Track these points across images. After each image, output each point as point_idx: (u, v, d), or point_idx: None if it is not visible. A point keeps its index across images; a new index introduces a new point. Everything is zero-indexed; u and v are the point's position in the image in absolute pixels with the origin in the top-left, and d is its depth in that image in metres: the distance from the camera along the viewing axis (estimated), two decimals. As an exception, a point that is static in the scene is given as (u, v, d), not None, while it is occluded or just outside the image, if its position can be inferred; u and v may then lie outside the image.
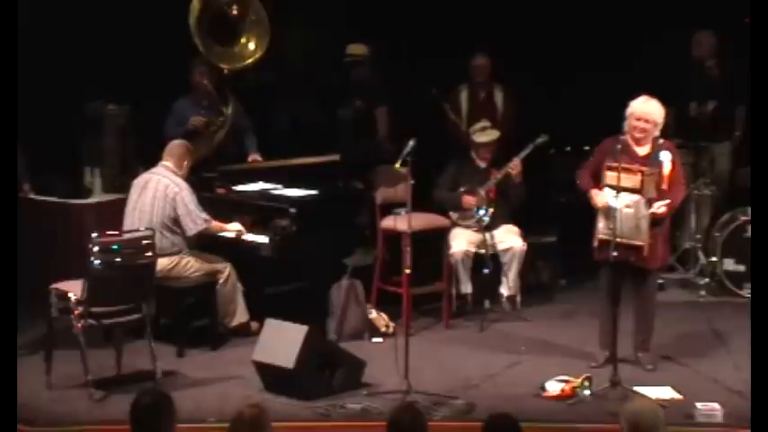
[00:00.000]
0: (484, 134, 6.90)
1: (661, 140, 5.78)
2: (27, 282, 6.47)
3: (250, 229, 6.36)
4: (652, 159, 5.72)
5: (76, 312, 5.52)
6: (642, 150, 5.76)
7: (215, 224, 6.24)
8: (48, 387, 5.63)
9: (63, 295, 5.61)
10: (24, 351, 6.01)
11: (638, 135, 5.73)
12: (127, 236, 5.72)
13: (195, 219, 6.13)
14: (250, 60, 6.90)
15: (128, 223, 6.11)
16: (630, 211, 5.61)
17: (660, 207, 5.58)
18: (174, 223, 6.12)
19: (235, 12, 6.89)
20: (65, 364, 5.70)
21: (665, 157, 5.69)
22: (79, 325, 5.51)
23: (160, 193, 6.11)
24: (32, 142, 6.84)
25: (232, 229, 6.31)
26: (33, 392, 5.58)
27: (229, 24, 6.90)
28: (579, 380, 5.48)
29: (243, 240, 6.35)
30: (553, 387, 5.51)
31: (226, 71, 6.86)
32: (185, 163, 6.20)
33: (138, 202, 6.15)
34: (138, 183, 6.22)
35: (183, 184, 6.15)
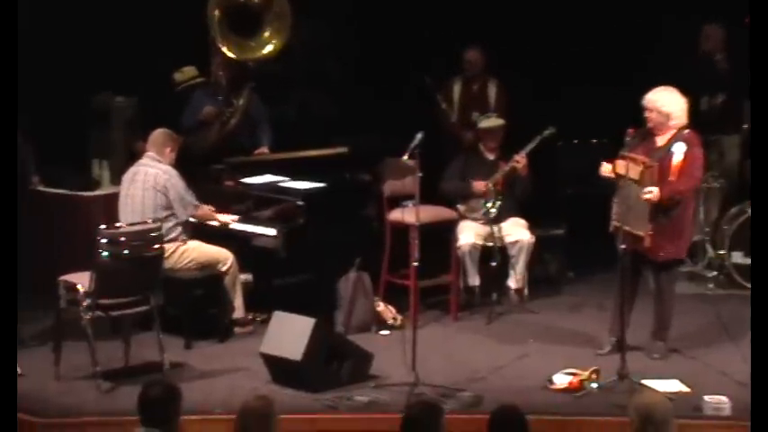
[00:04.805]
0: (488, 121, 6.91)
1: (686, 131, 5.76)
2: (35, 273, 6.51)
3: (250, 221, 6.35)
4: (665, 150, 5.71)
5: (84, 304, 5.54)
6: (661, 141, 5.76)
7: (205, 210, 6.24)
8: (56, 378, 5.64)
9: (71, 287, 5.63)
10: (33, 342, 6.04)
11: (649, 125, 5.75)
12: (134, 228, 5.72)
13: (186, 204, 6.14)
14: (265, 54, 6.89)
15: (121, 217, 6.11)
16: (635, 201, 5.61)
17: (646, 193, 5.56)
18: (167, 212, 6.10)
19: (257, 1, 6.87)
20: (73, 355, 5.71)
21: (678, 148, 5.67)
22: (87, 316, 5.52)
23: (149, 183, 6.12)
24: (41, 134, 6.85)
25: (222, 219, 6.31)
26: (42, 383, 5.59)
27: (252, 15, 6.89)
28: (587, 372, 5.48)
29: (247, 232, 6.35)
30: (560, 380, 5.50)
31: (251, 63, 6.87)
32: (167, 150, 6.19)
33: (128, 196, 6.16)
34: (126, 176, 6.24)
35: (172, 171, 6.16)
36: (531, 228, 6.77)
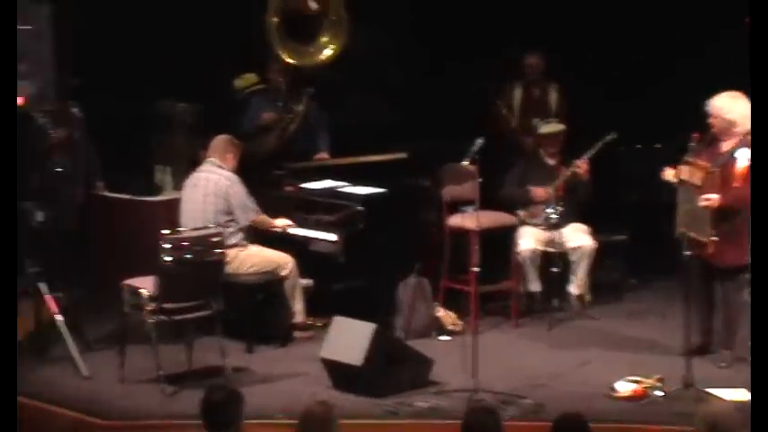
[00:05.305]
0: (548, 126, 6.87)
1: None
2: (101, 277, 6.61)
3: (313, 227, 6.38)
4: (728, 156, 5.62)
5: (148, 308, 5.59)
6: (726, 146, 5.66)
7: (263, 217, 6.29)
8: (120, 381, 5.71)
9: (135, 291, 5.68)
10: (98, 346, 6.12)
11: (713, 131, 5.67)
12: (196, 233, 5.77)
13: (247, 210, 6.19)
14: (323, 59, 6.93)
15: (182, 223, 6.17)
16: (697, 206, 5.54)
17: (704, 199, 5.46)
18: (228, 217, 6.14)
19: (314, 7, 6.93)
20: (136, 358, 5.77)
21: (742, 154, 5.57)
22: (151, 321, 5.58)
23: (210, 189, 6.17)
24: (106, 141, 6.94)
25: (280, 224, 6.35)
26: (106, 386, 5.67)
27: (308, 22, 6.93)
28: (651, 380, 5.42)
29: (307, 237, 6.38)
30: (624, 387, 5.44)
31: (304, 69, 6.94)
32: (229, 156, 6.24)
33: (190, 202, 6.22)
34: (188, 183, 6.30)
35: (234, 177, 6.20)
36: (593, 233, 6.70)
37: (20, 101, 5.71)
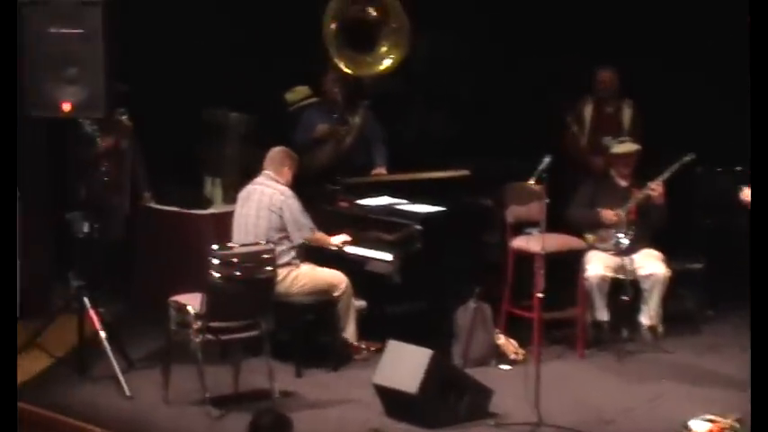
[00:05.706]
0: (621, 146, 6.63)
1: None
2: (146, 292, 6.46)
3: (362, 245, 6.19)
4: None
5: (195, 327, 5.43)
6: None
7: (319, 235, 6.10)
8: (164, 402, 5.55)
9: (181, 308, 5.53)
10: (142, 364, 5.99)
11: None
12: (246, 249, 5.58)
13: (301, 227, 6.01)
14: (382, 70, 6.75)
15: (234, 237, 6.03)
16: None
17: None
18: (281, 234, 5.97)
19: (374, 15, 6.75)
20: (182, 379, 5.61)
21: None
22: (197, 340, 5.41)
23: (264, 204, 6.01)
24: (155, 151, 6.87)
25: (335, 242, 6.16)
26: (150, 407, 5.52)
27: (368, 31, 6.76)
28: (728, 420, 5.14)
29: (361, 257, 6.18)
30: (699, 426, 5.17)
31: (365, 79, 6.76)
32: (285, 169, 6.09)
33: (242, 216, 6.06)
34: (241, 195, 6.15)
35: (288, 192, 6.04)
36: (667, 261, 6.45)
37: (67, 107, 5.61)
